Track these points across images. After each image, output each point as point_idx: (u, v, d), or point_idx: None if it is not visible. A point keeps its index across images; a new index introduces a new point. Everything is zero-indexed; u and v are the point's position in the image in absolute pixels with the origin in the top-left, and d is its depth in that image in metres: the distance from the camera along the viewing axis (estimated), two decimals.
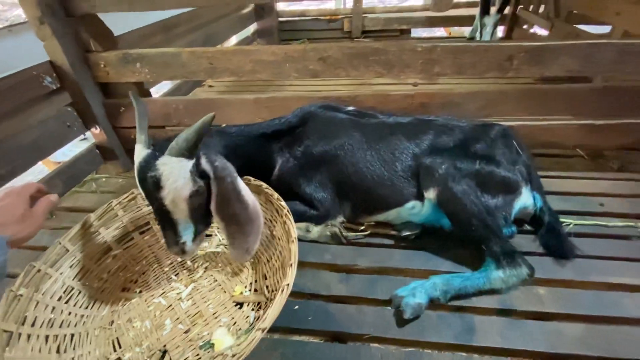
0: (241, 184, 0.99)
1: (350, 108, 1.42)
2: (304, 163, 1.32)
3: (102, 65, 1.62)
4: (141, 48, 1.58)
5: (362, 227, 1.39)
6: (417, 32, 4.32)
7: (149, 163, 0.94)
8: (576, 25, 2.66)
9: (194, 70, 1.55)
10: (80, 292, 1.08)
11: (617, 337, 0.97)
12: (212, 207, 0.99)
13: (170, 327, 1.05)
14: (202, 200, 1.01)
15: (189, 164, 0.95)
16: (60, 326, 0.96)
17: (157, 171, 0.93)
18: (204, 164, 0.99)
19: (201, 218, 1.04)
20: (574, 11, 2.76)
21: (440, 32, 5.13)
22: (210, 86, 2.98)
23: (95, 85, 1.68)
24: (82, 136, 1.90)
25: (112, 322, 1.09)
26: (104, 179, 1.86)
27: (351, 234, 1.35)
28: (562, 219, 1.30)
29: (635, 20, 1.90)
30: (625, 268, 1.16)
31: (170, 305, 1.12)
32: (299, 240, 1.32)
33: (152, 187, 0.94)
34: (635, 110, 1.52)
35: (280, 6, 3.96)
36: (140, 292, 1.18)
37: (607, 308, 1.04)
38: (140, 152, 0.98)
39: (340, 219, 1.37)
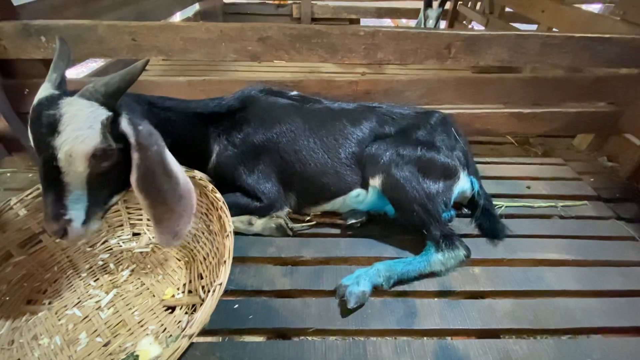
0: (169, 156, 0.85)
1: (294, 93, 1.36)
2: (244, 151, 1.22)
3: None
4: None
5: (308, 218, 1.34)
6: (366, 24, 4.36)
7: (51, 101, 0.75)
8: (510, 24, 2.88)
9: (114, 47, 1.35)
10: None
11: (542, 309, 1.04)
12: (133, 180, 0.80)
13: (86, 341, 0.91)
14: (109, 167, 0.82)
15: (103, 113, 0.77)
16: None
17: (59, 110, 0.74)
18: (125, 125, 0.81)
19: (102, 193, 0.85)
20: (507, 9, 2.97)
21: (388, 23, 5.23)
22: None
23: None
24: None
25: (13, 341, 0.92)
26: (8, 174, 1.59)
27: (297, 225, 1.30)
28: (495, 202, 1.38)
29: (558, 17, 2.07)
30: (548, 244, 1.26)
31: (87, 317, 0.98)
32: (242, 234, 1.25)
33: (47, 129, 0.74)
34: (556, 100, 1.66)
35: None
36: (50, 303, 1.02)
37: (532, 283, 1.12)
38: (45, 90, 0.79)
39: (286, 210, 1.30)
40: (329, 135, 1.24)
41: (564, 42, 1.41)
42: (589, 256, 1.22)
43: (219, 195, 1.03)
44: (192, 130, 1.17)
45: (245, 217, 1.25)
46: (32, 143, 0.78)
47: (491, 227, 1.27)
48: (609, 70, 1.62)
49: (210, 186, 1.06)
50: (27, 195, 1.05)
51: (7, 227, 1.01)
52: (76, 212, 0.80)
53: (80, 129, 0.75)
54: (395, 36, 1.38)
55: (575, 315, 1.02)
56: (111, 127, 0.80)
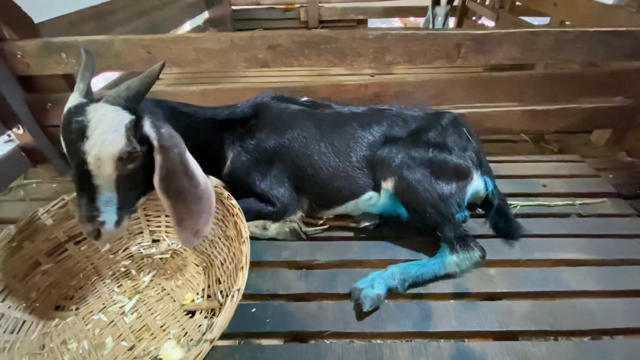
0: (190, 158, 0.89)
1: (304, 99, 1.37)
2: (257, 157, 1.25)
3: (20, 56, 1.42)
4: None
5: (321, 221, 1.35)
6: (374, 24, 4.35)
7: (79, 109, 0.81)
8: (520, 17, 2.82)
9: (130, 60, 1.40)
10: (3, 316, 0.94)
11: (560, 310, 1.03)
12: (156, 181, 0.84)
13: (111, 345, 0.95)
14: (135, 169, 0.86)
15: (126, 116, 0.81)
16: None
17: (86, 116, 0.79)
18: (148, 128, 0.85)
19: (130, 194, 0.89)
20: (517, 2, 2.92)
21: (397, 23, 5.20)
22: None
23: (13, 79, 1.48)
24: (6, 137, 1.68)
25: (44, 346, 0.97)
26: (34, 185, 1.66)
27: (311, 229, 1.32)
28: (509, 201, 1.36)
29: (571, 10, 2.03)
30: (565, 244, 1.23)
31: (112, 322, 1.02)
32: (257, 239, 1.27)
33: (76, 135, 0.79)
34: (571, 96, 1.62)
35: None
36: (77, 309, 1.06)
37: (550, 283, 1.10)
38: (74, 99, 0.84)
39: (299, 214, 1.32)
40: (340, 139, 1.25)
41: (577, 38, 1.39)
42: (609, 255, 1.19)
43: (234, 202, 1.06)
44: (208, 136, 1.20)
45: (260, 222, 1.28)
46: (64, 149, 0.83)
47: (506, 227, 1.25)
48: (625, 63, 1.57)
49: (226, 193, 1.09)
50: (53, 206, 1.10)
51: (36, 236, 1.07)
52: (108, 214, 0.85)
53: (106, 133, 0.79)
54: (404, 38, 1.38)
55: (595, 316, 1.00)
56: (134, 130, 0.84)
